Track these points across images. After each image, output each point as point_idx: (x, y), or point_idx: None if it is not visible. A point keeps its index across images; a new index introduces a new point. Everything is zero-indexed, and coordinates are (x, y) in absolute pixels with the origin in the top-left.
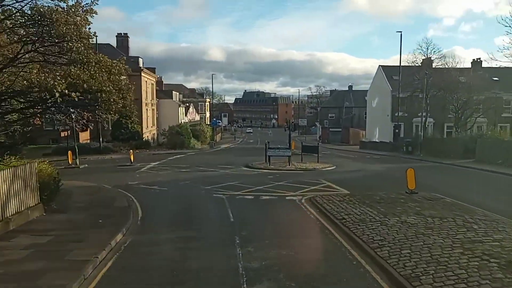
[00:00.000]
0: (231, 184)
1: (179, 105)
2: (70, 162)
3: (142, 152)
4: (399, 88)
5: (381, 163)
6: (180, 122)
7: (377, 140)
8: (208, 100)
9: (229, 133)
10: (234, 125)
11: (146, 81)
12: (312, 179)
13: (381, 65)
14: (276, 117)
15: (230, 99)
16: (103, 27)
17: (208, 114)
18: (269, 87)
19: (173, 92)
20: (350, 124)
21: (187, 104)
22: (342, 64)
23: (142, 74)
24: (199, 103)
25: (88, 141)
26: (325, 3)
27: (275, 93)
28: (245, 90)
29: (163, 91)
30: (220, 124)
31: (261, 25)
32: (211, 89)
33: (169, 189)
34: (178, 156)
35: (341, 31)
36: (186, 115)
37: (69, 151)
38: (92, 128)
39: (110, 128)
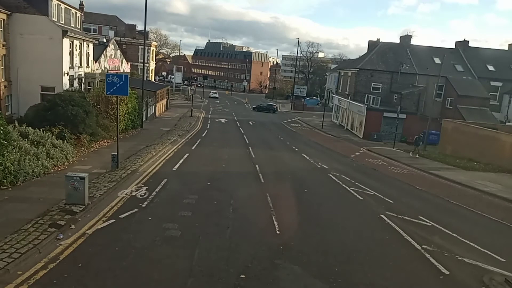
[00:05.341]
0: None
1: (66, 33)
2: None
3: None
4: None
5: None
6: (74, 73)
7: None
8: (154, 43)
9: (183, 97)
10: (193, 84)
11: None
12: None
13: None
14: (248, 78)
15: (189, 54)
16: None
17: (153, 65)
18: None
19: (51, 2)
20: (415, 106)
21: (104, 41)
22: (305, 31)
23: None
24: (140, 47)
25: None
26: None
27: (248, 47)
28: (209, 40)
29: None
30: (172, 81)
31: None
32: (168, 36)
33: None
34: None
35: None
36: (97, 61)
37: None
38: None
39: None
